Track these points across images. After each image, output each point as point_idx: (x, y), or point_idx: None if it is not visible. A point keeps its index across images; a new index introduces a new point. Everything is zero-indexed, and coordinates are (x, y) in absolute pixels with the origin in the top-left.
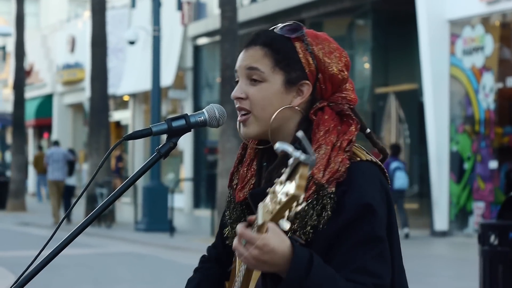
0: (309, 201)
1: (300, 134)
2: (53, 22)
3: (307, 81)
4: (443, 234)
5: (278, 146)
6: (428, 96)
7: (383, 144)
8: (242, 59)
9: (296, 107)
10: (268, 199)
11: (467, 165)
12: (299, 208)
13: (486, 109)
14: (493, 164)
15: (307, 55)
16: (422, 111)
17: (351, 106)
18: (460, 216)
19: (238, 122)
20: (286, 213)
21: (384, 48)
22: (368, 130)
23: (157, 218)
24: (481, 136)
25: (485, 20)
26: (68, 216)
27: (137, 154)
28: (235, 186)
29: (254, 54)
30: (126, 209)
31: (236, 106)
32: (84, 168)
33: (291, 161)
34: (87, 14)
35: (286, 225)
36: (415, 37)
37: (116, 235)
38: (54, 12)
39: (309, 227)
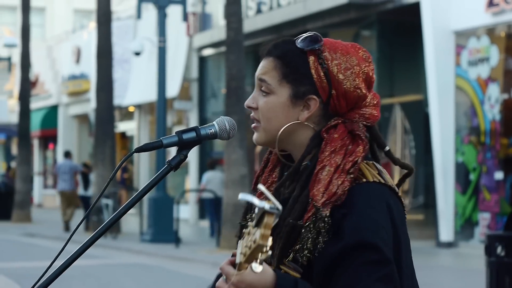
0: (307, 223)
1: (260, 186)
2: (58, 33)
3: (315, 96)
4: (448, 245)
5: (241, 197)
6: (434, 107)
7: (403, 161)
8: (258, 69)
9: (305, 122)
10: (244, 238)
11: (472, 176)
12: (266, 255)
13: (492, 120)
14: (499, 175)
15: (320, 71)
16: (427, 122)
17: (368, 124)
18: (466, 227)
19: (252, 128)
20: (259, 255)
21: (390, 59)
22: (387, 148)
23: (163, 229)
24: (486, 147)
25: (490, 31)
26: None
27: (143, 165)
28: (258, 191)
29: (266, 65)
30: (131, 220)
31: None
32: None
33: (256, 210)
34: (92, 25)
35: (258, 268)
36: (420, 48)
37: (121, 246)
38: (59, 23)
39: (306, 251)
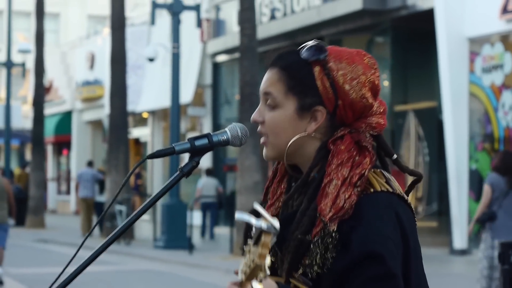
0: (316, 239)
1: (256, 205)
2: (72, 39)
3: (321, 107)
4: (462, 252)
5: (238, 217)
6: (447, 114)
7: (412, 168)
8: (263, 81)
9: (312, 134)
10: (245, 257)
11: None
12: (264, 274)
13: (506, 127)
14: None
15: (325, 81)
16: (441, 129)
17: (375, 133)
18: (480, 235)
19: (261, 143)
20: (259, 273)
21: (403, 65)
22: (395, 156)
23: (176, 236)
24: None
25: (504, 38)
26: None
27: (156, 171)
28: (268, 201)
29: (271, 77)
30: (145, 226)
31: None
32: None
33: (253, 229)
34: (106, 31)
35: (258, 286)
36: (434, 55)
37: (135, 252)
38: (73, 29)
39: (316, 267)
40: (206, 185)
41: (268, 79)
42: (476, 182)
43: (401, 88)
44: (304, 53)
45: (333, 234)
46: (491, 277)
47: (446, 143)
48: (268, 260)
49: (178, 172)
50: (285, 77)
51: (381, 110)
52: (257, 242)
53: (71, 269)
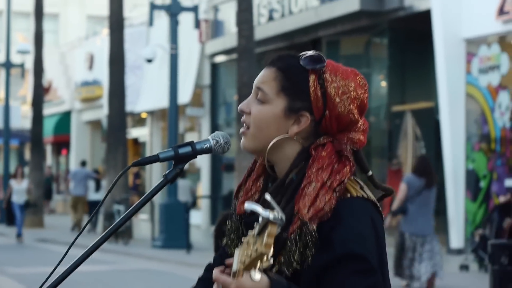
0: (292, 237)
1: (267, 197)
2: (71, 39)
3: (308, 113)
4: (458, 252)
5: (247, 206)
6: (444, 114)
7: (384, 185)
8: (258, 76)
9: (294, 138)
10: (243, 247)
11: (483, 183)
12: (267, 264)
13: (502, 127)
14: (509, 182)
15: (318, 90)
16: (438, 129)
17: (355, 148)
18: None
19: (240, 133)
20: (258, 263)
21: (401, 66)
22: (370, 173)
23: (174, 235)
24: (497, 154)
25: (501, 39)
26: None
27: (155, 171)
28: (240, 198)
29: (267, 75)
30: (143, 226)
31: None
32: (103, 184)
33: (260, 219)
34: (105, 32)
35: (257, 275)
36: (431, 56)
37: (133, 251)
38: (72, 29)
39: (294, 263)
40: (181, 187)
41: (263, 76)
42: (472, 182)
43: (399, 89)
44: (303, 60)
45: (313, 233)
46: (399, 259)
47: (443, 143)
48: (272, 251)
49: (162, 179)
50: (281, 77)
51: (364, 128)
52: (260, 232)
53: (63, 269)
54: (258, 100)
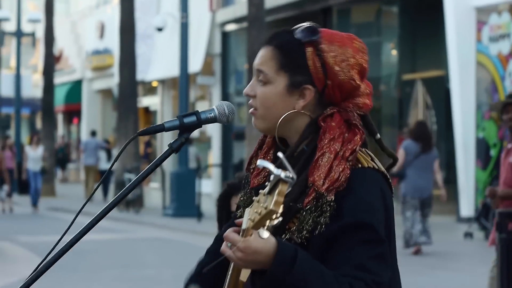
0: (308, 207)
1: (280, 155)
2: (82, 8)
3: (310, 86)
4: (469, 220)
5: (259, 163)
6: (455, 83)
7: (391, 150)
8: (257, 58)
9: (302, 111)
10: (253, 206)
11: (493, 152)
12: (276, 221)
13: None
14: None
15: (316, 62)
16: (448, 97)
17: (362, 112)
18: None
19: (249, 113)
20: (267, 222)
21: (411, 35)
22: (378, 136)
23: (185, 204)
24: None
25: (511, 7)
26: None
27: (166, 139)
28: (252, 171)
29: (265, 55)
30: (154, 195)
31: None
32: (114, 153)
33: (272, 177)
34: (116, 0)
35: (265, 234)
36: (442, 24)
37: (144, 220)
38: None
39: (305, 232)
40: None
41: (262, 57)
42: (483, 150)
43: (409, 57)
44: (298, 34)
45: (331, 203)
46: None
47: (453, 112)
48: (281, 208)
49: (167, 148)
50: (278, 55)
51: (368, 91)
52: (271, 191)
53: (70, 236)
54: (260, 82)
